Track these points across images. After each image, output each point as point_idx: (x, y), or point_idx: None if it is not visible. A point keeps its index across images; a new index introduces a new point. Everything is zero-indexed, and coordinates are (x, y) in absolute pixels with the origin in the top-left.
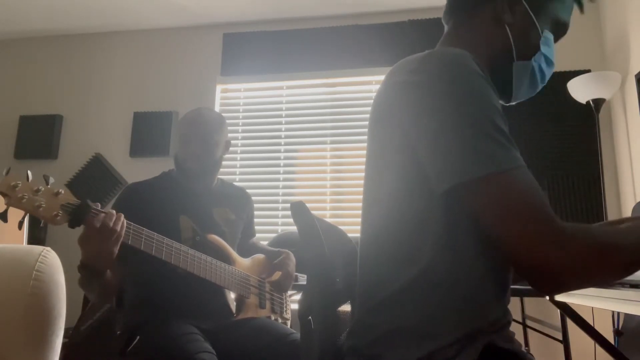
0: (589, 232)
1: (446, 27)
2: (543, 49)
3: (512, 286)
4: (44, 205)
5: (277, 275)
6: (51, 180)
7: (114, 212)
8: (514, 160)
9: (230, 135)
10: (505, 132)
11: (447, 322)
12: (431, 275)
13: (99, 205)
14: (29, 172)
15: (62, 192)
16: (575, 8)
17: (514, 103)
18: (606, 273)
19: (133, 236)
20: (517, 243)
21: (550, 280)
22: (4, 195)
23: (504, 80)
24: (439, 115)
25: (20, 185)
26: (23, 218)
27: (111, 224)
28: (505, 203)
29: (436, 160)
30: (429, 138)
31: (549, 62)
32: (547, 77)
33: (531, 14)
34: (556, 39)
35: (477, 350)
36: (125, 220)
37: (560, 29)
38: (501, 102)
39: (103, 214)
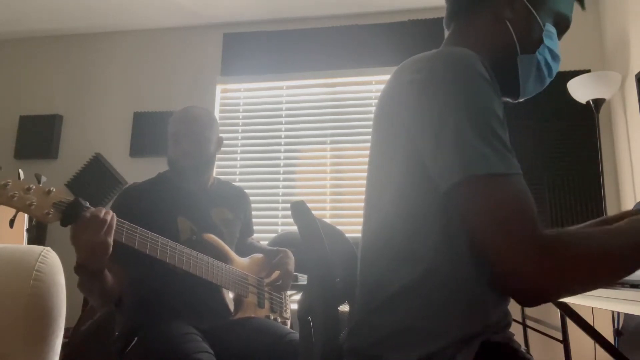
0: (573, 243)
1: (447, 32)
2: (547, 42)
3: None
4: (35, 204)
5: (276, 274)
6: (43, 179)
7: (101, 207)
8: (508, 166)
9: (230, 135)
10: (502, 138)
11: (448, 323)
12: (433, 276)
13: (87, 203)
14: (21, 171)
15: (54, 190)
16: (577, 7)
17: (522, 100)
18: (589, 283)
19: (127, 235)
20: (497, 250)
21: (528, 291)
22: None
23: (510, 77)
24: (439, 114)
25: (10, 183)
26: (14, 216)
27: (101, 215)
28: (491, 207)
29: (436, 160)
30: (430, 138)
31: (555, 56)
32: (554, 72)
33: (531, 8)
34: (559, 35)
35: (475, 348)
36: (114, 214)
37: (562, 23)
38: (509, 99)
39: (91, 208)
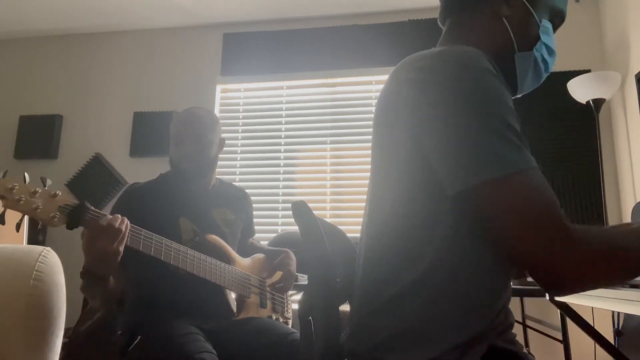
0: (601, 236)
1: (443, 28)
2: (543, 38)
3: (512, 286)
4: (41, 207)
5: (278, 275)
6: (48, 182)
7: (117, 214)
8: (527, 161)
9: (230, 135)
10: (518, 132)
11: (450, 325)
12: (434, 277)
13: (94, 207)
14: (26, 175)
15: (60, 193)
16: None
17: (519, 95)
18: (616, 276)
19: (132, 237)
20: (529, 247)
21: (562, 283)
22: (1, 197)
23: (508, 73)
24: (450, 115)
25: (17, 187)
26: (21, 220)
27: (117, 225)
28: (519, 206)
29: (448, 161)
30: (439, 139)
31: (551, 51)
32: (551, 67)
33: (527, 5)
34: (554, 29)
35: (480, 353)
36: (128, 222)
37: (557, 18)
38: None
39: (107, 216)
